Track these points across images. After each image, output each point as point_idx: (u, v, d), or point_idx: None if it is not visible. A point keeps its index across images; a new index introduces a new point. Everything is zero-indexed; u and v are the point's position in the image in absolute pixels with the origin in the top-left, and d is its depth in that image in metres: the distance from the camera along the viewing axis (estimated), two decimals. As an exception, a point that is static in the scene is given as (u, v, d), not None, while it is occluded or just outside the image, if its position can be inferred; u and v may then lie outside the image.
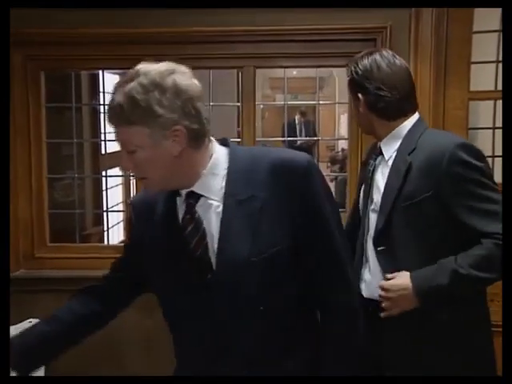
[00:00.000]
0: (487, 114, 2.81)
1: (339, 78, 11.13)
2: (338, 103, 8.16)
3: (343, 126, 9.75)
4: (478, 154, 1.79)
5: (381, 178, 1.88)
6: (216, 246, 1.31)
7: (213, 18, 2.72)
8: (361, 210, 1.98)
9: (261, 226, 1.29)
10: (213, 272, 1.31)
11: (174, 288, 1.36)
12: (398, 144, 1.87)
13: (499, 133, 2.71)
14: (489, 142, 2.73)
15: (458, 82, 2.60)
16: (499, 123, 2.71)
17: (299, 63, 2.91)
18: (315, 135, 7.13)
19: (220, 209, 1.32)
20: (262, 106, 13.49)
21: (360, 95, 1.87)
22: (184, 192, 1.35)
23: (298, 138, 6.57)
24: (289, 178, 1.31)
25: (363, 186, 1.97)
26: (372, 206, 1.90)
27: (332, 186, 8.38)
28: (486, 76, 2.79)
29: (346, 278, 1.39)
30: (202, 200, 1.33)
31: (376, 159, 1.93)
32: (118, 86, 1.29)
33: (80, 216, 3.28)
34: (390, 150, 1.88)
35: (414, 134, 1.85)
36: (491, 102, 2.76)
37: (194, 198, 1.34)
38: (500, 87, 2.69)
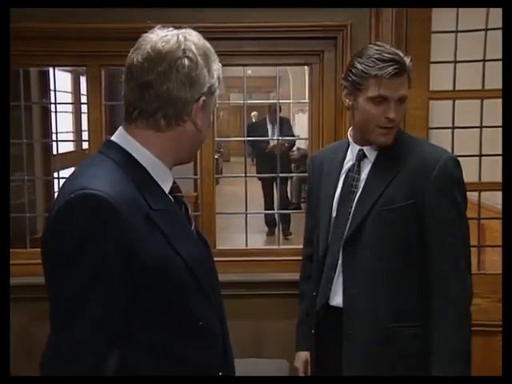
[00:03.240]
0: (445, 113, 2.82)
1: (293, 77, 11.18)
2: (300, 102, 8.14)
3: (298, 126, 9.77)
4: (461, 169, 1.83)
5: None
6: None
7: (167, 14, 2.63)
8: (334, 214, 1.93)
9: None
10: None
11: None
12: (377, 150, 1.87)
13: (458, 132, 2.72)
14: (447, 142, 2.74)
15: (418, 81, 2.58)
16: (458, 123, 2.73)
17: (258, 61, 2.85)
18: (293, 135, 7.06)
19: None
20: (217, 106, 13.48)
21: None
22: None
23: (259, 139, 6.47)
24: None
25: (340, 190, 1.92)
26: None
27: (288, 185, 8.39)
28: (443, 76, 2.79)
29: None
30: None
31: (359, 165, 1.90)
32: None
33: (30, 219, 3.13)
34: (373, 155, 1.87)
35: (397, 141, 1.85)
36: (449, 102, 2.77)
37: None
38: (458, 87, 2.71)
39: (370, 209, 1.81)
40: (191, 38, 1.24)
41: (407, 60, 1.79)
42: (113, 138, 1.28)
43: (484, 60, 2.70)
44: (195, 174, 3.12)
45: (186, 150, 1.31)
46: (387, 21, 2.59)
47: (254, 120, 10.65)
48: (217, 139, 3.01)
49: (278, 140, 5.85)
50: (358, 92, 1.82)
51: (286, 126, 6.78)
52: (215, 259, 1.43)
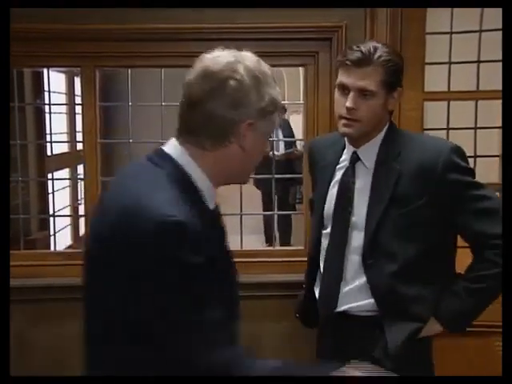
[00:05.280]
0: (440, 114, 2.83)
1: (288, 78, 11.17)
2: (294, 103, 8.11)
3: (293, 127, 9.73)
4: (466, 156, 1.81)
5: (364, 188, 1.82)
6: None
7: (163, 14, 2.62)
8: (331, 220, 1.89)
9: None
10: None
11: None
12: (376, 150, 1.83)
13: (453, 133, 2.73)
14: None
15: (413, 82, 2.59)
16: (453, 124, 2.73)
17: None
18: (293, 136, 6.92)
19: None
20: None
21: (398, 88, 1.82)
22: None
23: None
24: None
25: (336, 195, 1.88)
26: (354, 218, 1.83)
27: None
28: (438, 77, 2.80)
29: None
30: None
31: (353, 168, 1.86)
32: None
33: (24, 221, 3.12)
34: (370, 156, 1.83)
35: (393, 139, 1.83)
36: (444, 103, 2.77)
37: None
38: (453, 88, 2.71)
39: (382, 216, 1.77)
40: (243, 60, 1.25)
41: (381, 55, 1.74)
42: (166, 149, 1.29)
43: (478, 61, 2.70)
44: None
45: (234, 171, 1.32)
46: (382, 22, 2.59)
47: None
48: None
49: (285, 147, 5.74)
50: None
51: (286, 128, 6.73)
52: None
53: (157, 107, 2.99)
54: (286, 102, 11.06)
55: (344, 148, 1.91)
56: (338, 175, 1.90)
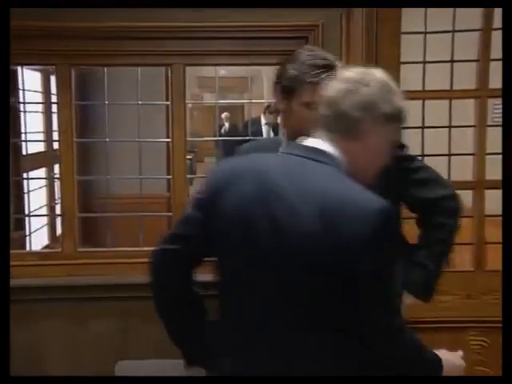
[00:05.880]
0: (415, 113, 2.85)
1: (267, 77, 11.19)
2: (274, 102, 8.11)
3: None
4: None
5: None
6: None
7: (140, 13, 2.61)
8: None
9: None
10: None
11: None
12: None
13: (427, 132, 2.76)
14: (417, 142, 2.77)
15: (388, 81, 2.61)
16: (428, 123, 2.76)
17: (230, 61, 2.84)
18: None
19: None
20: (190, 105, 13.43)
21: None
22: None
23: (226, 138, 6.45)
24: None
25: None
26: None
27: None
28: (413, 76, 2.82)
29: None
30: None
31: None
32: None
33: None
34: None
35: None
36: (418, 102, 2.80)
37: None
38: (428, 87, 2.74)
39: None
40: (374, 72, 1.45)
41: (339, 65, 1.84)
42: (320, 147, 1.42)
43: (452, 61, 2.74)
44: (168, 175, 3.10)
45: (357, 166, 1.42)
46: (357, 21, 2.61)
47: (225, 121, 10.60)
48: (189, 139, 2.99)
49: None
50: (292, 96, 1.86)
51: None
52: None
53: (133, 106, 2.98)
54: (264, 101, 11.13)
55: None
56: None
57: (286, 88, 1.87)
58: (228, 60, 2.84)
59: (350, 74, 1.44)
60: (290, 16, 2.62)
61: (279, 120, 2.03)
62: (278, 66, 1.99)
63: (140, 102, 2.92)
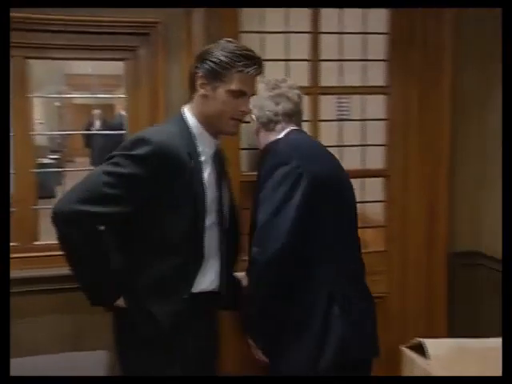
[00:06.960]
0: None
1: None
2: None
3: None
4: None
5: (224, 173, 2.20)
6: None
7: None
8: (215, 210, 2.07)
9: None
10: None
11: None
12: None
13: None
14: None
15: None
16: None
17: (73, 55, 2.79)
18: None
19: None
20: (58, 104, 12.90)
21: None
22: None
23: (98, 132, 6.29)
24: None
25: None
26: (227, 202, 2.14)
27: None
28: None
29: None
30: None
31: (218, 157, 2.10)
32: None
33: None
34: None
35: None
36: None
37: None
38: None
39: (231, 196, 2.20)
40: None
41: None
42: None
43: (286, 60, 2.93)
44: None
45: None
46: (198, 20, 2.69)
47: (95, 118, 10.34)
48: (33, 133, 2.91)
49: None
50: (218, 83, 1.92)
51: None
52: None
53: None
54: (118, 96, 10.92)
55: (192, 142, 1.96)
56: (208, 166, 2.00)
57: (214, 72, 1.91)
58: (71, 54, 2.76)
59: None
60: (132, 12, 2.62)
61: (189, 105, 2.01)
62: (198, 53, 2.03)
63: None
